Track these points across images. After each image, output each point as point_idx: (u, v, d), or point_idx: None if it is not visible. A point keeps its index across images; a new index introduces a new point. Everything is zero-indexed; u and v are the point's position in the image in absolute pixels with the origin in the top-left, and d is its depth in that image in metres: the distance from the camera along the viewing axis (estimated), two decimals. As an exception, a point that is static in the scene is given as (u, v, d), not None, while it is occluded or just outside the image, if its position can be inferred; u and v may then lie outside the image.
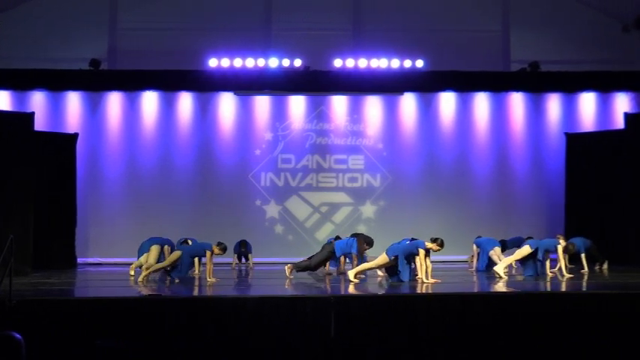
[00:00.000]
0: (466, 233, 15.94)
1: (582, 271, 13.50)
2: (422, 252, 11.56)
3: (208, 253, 11.90)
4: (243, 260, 15.48)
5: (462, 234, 16.23)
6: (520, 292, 10.44)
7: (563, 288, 11.34)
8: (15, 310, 8.69)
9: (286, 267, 12.73)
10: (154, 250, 12.91)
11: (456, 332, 9.08)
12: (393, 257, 11.62)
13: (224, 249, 12.20)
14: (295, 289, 11.22)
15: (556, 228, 16.13)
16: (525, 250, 12.57)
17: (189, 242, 13.23)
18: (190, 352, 8.77)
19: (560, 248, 12.68)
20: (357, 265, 12.39)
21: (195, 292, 11.01)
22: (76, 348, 8.48)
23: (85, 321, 8.71)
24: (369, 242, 13.07)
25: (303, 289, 11.21)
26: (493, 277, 12.40)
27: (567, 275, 12.44)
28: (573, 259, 13.86)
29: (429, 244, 11.70)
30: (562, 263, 12.68)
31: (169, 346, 8.75)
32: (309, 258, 13.23)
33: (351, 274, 11.63)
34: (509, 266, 13.25)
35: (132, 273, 12.92)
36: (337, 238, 13.85)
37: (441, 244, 11.75)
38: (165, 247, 13.39)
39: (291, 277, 12.51)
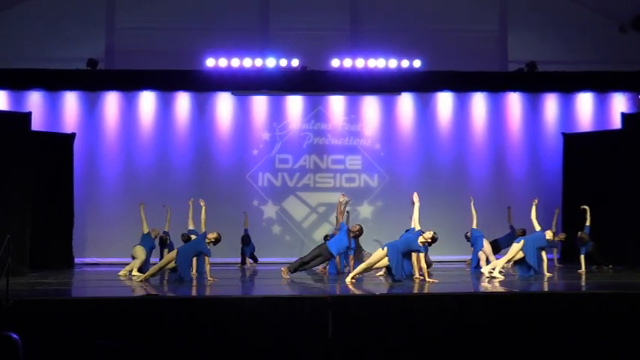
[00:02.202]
0: (463, 233, 15.94)
1: (579, 271, 13.54)
2: (421, 255, 11.60)
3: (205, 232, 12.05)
4: (251, 261, 15.59)
5: (460, 234, 16.21)
6: (518, 292, 10.45)
7: (562, 288, 11.35)
8: (12, 311, 8.67)
9: (282, 269, 12.73)
10: (139, 250, 13.16)
11: (455, 332, 9.08)
12: (385, 248, 11.55)
13: (218, 238, 12.16)
14: (293, 289, 11.22)
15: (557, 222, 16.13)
16: (515, 248, 12.56)
17: (192, 237, 13.28)
18: (189, 352, 8.76)
19: (555, 250, 12.76)
20: (353, 264, 12.65)
21: (194, 292, 11.01)
22: (74, 348, 8.47)
23: (83, 321, 8.70)
24: (358, 226, 13.45)
25: (301, 289, 11.21)
26: (490, 277, 12.42)
27: (557, 265, 12.54)
28: (572, 259, 13.97)
29: (422, 237, 11.59)
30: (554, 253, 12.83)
31: (168, 346, 8.74)
32: (302, 258, 13.36)
33: (348, 277, 11.60)
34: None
35: (121, 273, 13.00)
36: (326, 237, 13.94)
37: (433, 238, 11.62)
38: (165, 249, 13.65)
39: (287, 277, 12.51)
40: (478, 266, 13.68)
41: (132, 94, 17.00)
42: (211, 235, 12.07)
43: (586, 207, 14.25)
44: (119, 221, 16.60)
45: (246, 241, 15.62)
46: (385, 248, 11.56)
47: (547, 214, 17.08)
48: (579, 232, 14.06)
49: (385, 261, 11.55)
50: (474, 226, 14.11)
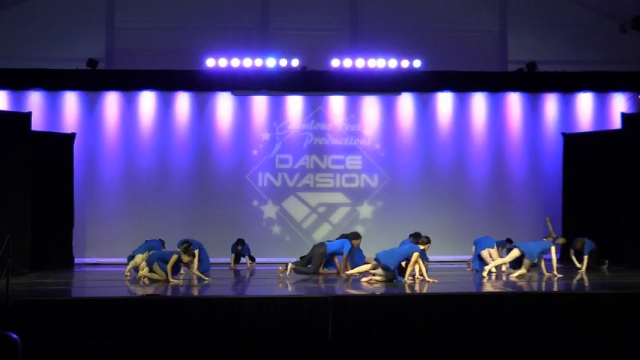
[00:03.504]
0: (463, 233, 16.00)
1: (581, 270, 13.59)
2: (416, 255, 11.70)
3: (174, 257, 11.85)
4: (243, 260, 15.44)
5: (459, 234, 16.30)
6: (518, 292, 10.46)
7: (562, 288, 11.34)
8: (12, 311, 8.68)
9: (280, 268, 12.74)
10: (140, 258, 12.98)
11: (454, 332, 9.09)
12: (381, 264, 11.64)
13: (191, 253, 12.14)
14: (293, 290, 11.22)
15: (553, 227, 16.12)
16: (514, 253, 12.71)
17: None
18: (189, 352, 8.76)
19: (553, 249, 12.84)
20: (346, 265, 12.92)
21: (194, 292, 11.02)
22: (74, 348, 8.47)
23: (83, 321, 8.70)
24: (358, 237, 13.54)
25: (301, 289, 11.21)
26: (490, 277, 12.48)
27: (558, 275, 12.57)
28: (568, 258, 14.07)
29: (421, 247, 11.93)
30: (554, 261, 12.90)
31: (168, 346, 8.75)
32: (302, 258, 13.47)
33: (347, 274, 11.75)
34: (499, 267, 13.40)
35: (127, 275, 12.94)
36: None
37: (429, 241, 12.33)
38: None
39: (286, 275, 12.54)
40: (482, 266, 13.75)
41: (132, 94, 16.98)
42: (185, 258, 11.98)
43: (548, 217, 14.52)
44: (119, 221, 16.63)
45: (242, 241, 15.48)
46: (375, 262, 11.85)
47: (547, 214, 17.07)
48: (576, 241, 14.09)
49: (380, 270, 11.73)
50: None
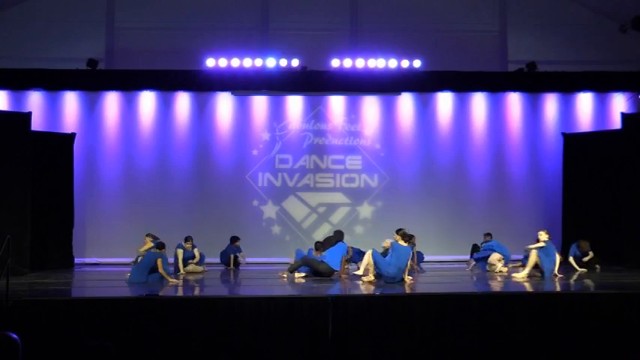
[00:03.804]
0: (463, 233, 16.00)
1: (586, 259, 13.71)
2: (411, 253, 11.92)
3: (159, 261, 11.93)
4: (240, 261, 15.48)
5: (459, 234, 16.30)
6: (518, 292, 10.46)
7: (562, 288, 11.35)
8: (12, 311, 8.68)
9: (284, 275, 12.76)
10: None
11: (454, 332, 9.09)
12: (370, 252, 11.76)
13: (163, 245, 12.48)
14: (293, 290, 11.22)
15: (553, 227, 16.10)
16: (533, 257, 12.84)
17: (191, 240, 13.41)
18: (188, 352, 8.76)
19: (556, 253, 13.00)
20: (344, 267, 12.98)
21: (194, 292, 11.02)
22: (74, 348, 8.46)
23: (83, 321, 8.70)
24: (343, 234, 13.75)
25: (301, 289, 11.21)
26: (491, 277, 12.52)
27: (559, 275, 12.67)
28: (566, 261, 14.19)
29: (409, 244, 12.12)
30: (557, 262, 13.00)
31: (167, 346, 8.75)
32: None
33: (366, 278, 11.86)
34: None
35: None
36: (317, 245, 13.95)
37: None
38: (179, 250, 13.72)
39: (285, 276, 12.61)
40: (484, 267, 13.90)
41: (132, 94, 16.99)
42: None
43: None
44: (119, 221, 16.63)
45: (238, 238, 15.45)
46: (370, 252, 12.03)
47: (547, 214, 17.14)
48: (580, 242, 14.16)
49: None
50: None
